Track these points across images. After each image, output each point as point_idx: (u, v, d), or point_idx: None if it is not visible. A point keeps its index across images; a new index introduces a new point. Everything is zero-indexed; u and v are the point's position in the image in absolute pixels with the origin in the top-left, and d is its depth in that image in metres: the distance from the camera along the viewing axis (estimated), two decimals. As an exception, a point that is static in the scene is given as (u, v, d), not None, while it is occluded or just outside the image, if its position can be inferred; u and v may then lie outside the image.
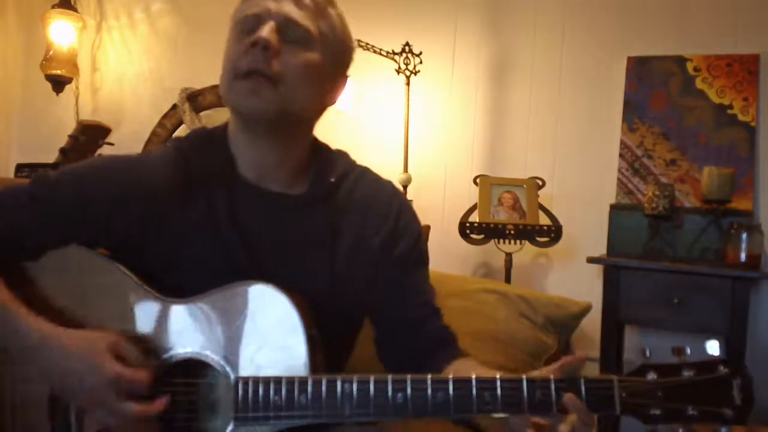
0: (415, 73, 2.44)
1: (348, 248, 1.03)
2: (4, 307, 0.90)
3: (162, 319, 0.92)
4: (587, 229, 2.32)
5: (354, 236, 1.04)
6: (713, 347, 0.84)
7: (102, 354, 0.87)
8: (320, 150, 1.09)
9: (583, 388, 0.84)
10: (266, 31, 0.94)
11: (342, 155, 1.12)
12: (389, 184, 1.13)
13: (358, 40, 2.39)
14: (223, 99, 1.00)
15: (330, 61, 1.01)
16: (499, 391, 0.84)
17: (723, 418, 0.81)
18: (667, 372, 0.83)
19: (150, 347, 0.92)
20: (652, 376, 0.83)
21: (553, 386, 0.84)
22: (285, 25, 0.95)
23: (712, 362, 0.83)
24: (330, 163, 1.07)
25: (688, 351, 0.84)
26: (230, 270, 0.95)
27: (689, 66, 2.26)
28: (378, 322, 1.09)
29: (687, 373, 0.83)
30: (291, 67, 0.95)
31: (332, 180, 1.04)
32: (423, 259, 1.12)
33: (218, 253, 0.96)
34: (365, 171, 1.12)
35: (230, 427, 0.87)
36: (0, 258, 0.95)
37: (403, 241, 1.07)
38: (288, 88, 0.95)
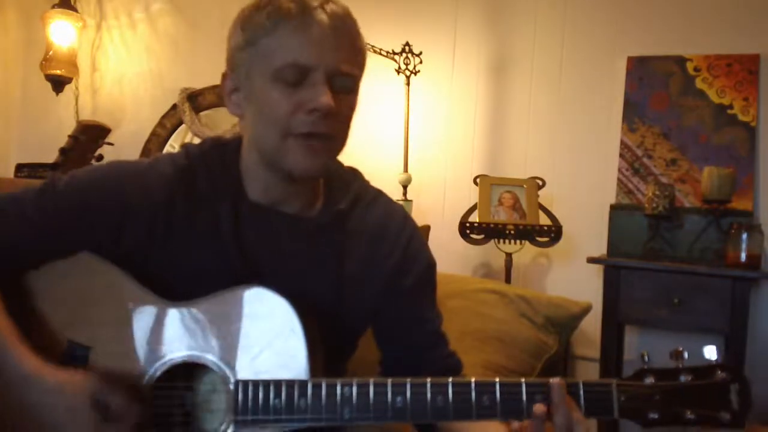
0: (415, 73, 2.44)
1: (356, 271, 1.02)
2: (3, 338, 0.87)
3: (161, 322, 0.92)
4: (587, 229, 2.32)
5: (363, 260, 1.03)
6: (711, 352, 0.84)
7: (83, 404, 0.83)
8: (333, 169, 1.07)
9: (582, 392, 0.84)
10: (327, 96, 0.90)
11: (355, 177, 1.10)
12: (401, 210, 1.11)
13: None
14: (263, 153, 0.96)
15: (358, 94, 1.00)
16: (498, 395, 0.84)
17: (721, 422, 0.82)
18: (665, 376, 0.84)
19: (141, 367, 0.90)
20: (650, 380, 0.84)
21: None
22: (333, 76, 0.92)
23: (710, 367, 0.84)
24: (343, 186, 1.06)
25: (686, 355, 0.85)
26: (231, 284, 0.94)
27: (689, 66, 2.26)
28: (383, 346, 1.09)
29: (685, 378, 0.84)
30: (342, 120, 0.95)
31: (342, 207, 1.03)
32: (431, 286, 1.11)
33: (220, 267, 0.96)
34: (378, 195, 1.10)
35: (230, 430, 0.87)
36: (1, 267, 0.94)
37: (412, 270, 1.06)
38: (339, 141, 0.96)
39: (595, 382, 0.85)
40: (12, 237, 0.94)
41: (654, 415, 0.83)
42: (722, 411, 0.82)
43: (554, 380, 0.84)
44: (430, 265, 1.10)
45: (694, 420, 0.82)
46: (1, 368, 0.86)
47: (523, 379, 0.85)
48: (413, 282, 1.06)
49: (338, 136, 0.95)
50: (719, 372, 0.83)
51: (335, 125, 0.93)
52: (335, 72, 0.92)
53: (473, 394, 0.85)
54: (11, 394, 0.86)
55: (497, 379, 0.85)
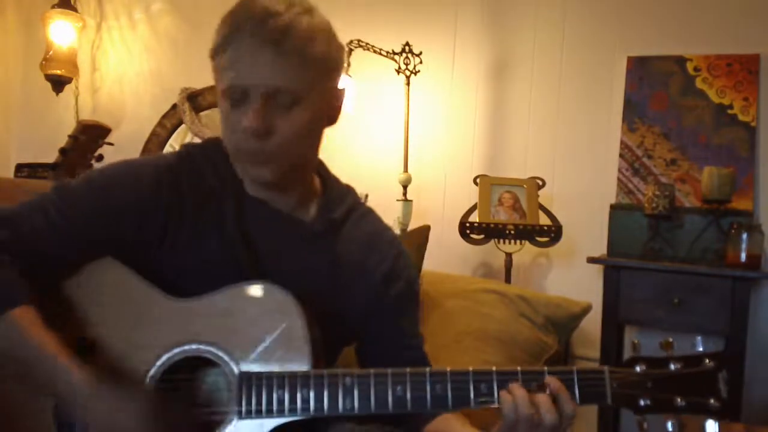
0: (415, 73, 2.44)
1: (349, 277, 1.04)
2: (56, 359, 0.88)
3: (166, 317, 0.93)
4: (587, 229, 2.32)
5: (355, 266, 1.05)
6: (699, 343, 0.88)
7: (143, 418, 0.85)
8: (329, 180, 1.11)
9: (576, 379, 0.86)
10: (254, 116, 0.91)
11: (349, 192, 1.13)
12: (390, 229, 1.15)
13: (358, 40, 2.39)
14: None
15: (323, 97, 0.98)
16: (495, 383, 0.87)
17: (710, 409, 0.85)
18: (656, 364, 0.87)
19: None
20: (641, 368, 0.87)
21: (547, 378, 0.86)
22: (272, 94, 0.92)
23: (698, 356, 0.87)
24: (337, 198, 1.09)
25: (676, 346, 0.88)
26: (237, 276, 0.95)
27: (689, 66, 2.26)
28: (363, 360, 1.11)
29: (675, 366, 0.86)
30: (286, 134, 0.94)
31: (336, 217, 1.06)
32: (414, 305, 1.13)
33: (226, 260, 0.97)
34: (369, 211, 1.14)
35: (234, 422, 0.89)
36: (31, 277, 0.93)
37: (397, 284, 1.08)
38: (287, 152, 0.95)
39: (588, 370, 0.87)
40: (45, 245, 0.95)
41: (646, 402, 0.85)
42: (711, 398, 0.85)
43: (550, 371, 0.87)
44: (416, 281, 1.14)
45: (684, 407, 0.85)
46: (70, 387, 0.87)
47: (518, 367, 0.88)
48: (401, 291, 1.09)
49: (279, 152, 0.94)
50: (707, 361, 0.86)
51: (272, 142, 0.93)
52: (272, 90, 0.92)
53: (471, 382, 0.87)
54: (82, 409, 0.87)
55: (494, 368, 0.88)
